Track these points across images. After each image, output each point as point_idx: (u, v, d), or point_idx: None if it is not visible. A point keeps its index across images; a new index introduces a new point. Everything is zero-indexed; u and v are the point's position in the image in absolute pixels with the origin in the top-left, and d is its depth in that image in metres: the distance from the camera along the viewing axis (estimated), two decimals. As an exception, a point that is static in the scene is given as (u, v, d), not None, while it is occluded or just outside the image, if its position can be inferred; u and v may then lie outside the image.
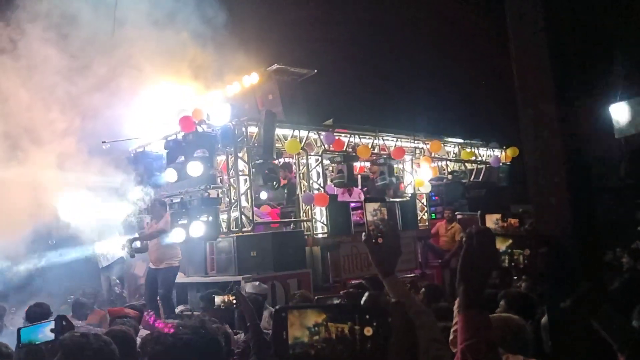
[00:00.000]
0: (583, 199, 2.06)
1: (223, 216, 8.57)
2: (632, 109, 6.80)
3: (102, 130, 8.81)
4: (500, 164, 12.78)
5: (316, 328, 1.10)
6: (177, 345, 1.81)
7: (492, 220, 2.34)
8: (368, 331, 1.09)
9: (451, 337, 1.94)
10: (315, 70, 10.94)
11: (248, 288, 6.55)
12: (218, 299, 5.00)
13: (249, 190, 8.30)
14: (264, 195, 9.56)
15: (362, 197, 10.20)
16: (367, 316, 1.10)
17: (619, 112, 6.74)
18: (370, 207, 1.96)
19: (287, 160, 10.59)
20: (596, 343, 1.79)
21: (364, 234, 1.97)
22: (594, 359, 2.06)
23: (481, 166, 12.76)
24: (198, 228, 7.53)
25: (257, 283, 6.88)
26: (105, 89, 9.24)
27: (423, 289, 5.20)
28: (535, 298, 3.57)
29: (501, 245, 1.65)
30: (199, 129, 8.03)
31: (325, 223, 9.14)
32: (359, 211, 10.06)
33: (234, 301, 4.62)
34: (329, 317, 1.10)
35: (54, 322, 3.15)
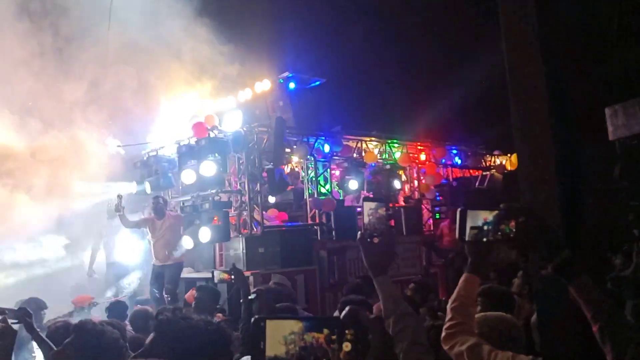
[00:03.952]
0: (572, 196, 2.16)
1: (233, 218, 8.83)
2: (626, 111, 6.77)
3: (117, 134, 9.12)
4: (505, 171, 12.95)
5: (292, 337, 1.11)
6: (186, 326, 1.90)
7: None
8: (347, 346, 1.10)
9: (443, 334, 2.00)
10: (325, 79, 11.21)
11: (273, 278, 6.81)
12: (217, 274, 5.18)
13: (258, 195, 8.53)
14: (272, 199, 9.79)
15: (368, 202, 10.42)
16: (347, 331, 1.12)
17: (613, 114, 6.75)
18: (368, 206, 1.94)
19: (294, 166, 10.84)
20: (585, 341, 1.80)
21: (359, 232, 1.93)
22: (582, 356, 2.13)
23: (486, 173, 12.94)
24: (206, 233, 7.84)
25: (279, 276, 7.16)
26: (120, 94, 9.55)
27: (412, 285, 5.25)
28: (512, 295, 3.70)
29: (488, 215, 1.67)
30: (212, 135, 8.30)
31: (332, 227, 9.36)
32: (365, 216, 10.27)
33: (232, 276, 4.69)
34: (306, 326, 1.12)
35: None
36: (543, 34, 2.15)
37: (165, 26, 9.93)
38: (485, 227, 1.68)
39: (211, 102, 10.31)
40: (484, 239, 1.69)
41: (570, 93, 2.22)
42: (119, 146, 9.05)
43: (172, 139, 9.44)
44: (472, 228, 1.70)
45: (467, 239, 1.72)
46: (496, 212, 1.65)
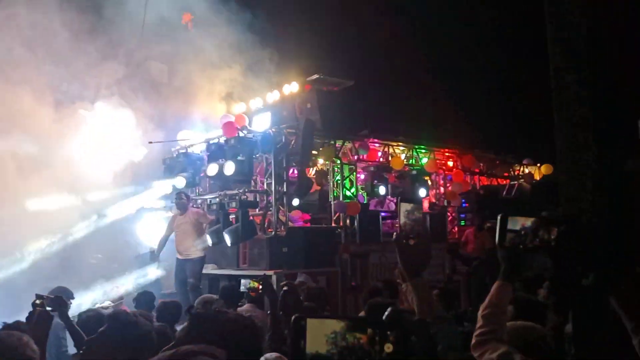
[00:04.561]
0: (615, 205, 2.14)
1: (258, 217, 8.92)
2: None
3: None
4: (533, 181, 12.75)
5: (334, 336, 1.09)
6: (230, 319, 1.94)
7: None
8: (388, 348, 1.07)
9: (473, 341, 1.97)
10: (353, 81, 11.24)
11: (299, 277, 6.85)
12: (245, 282, 5.21)
13: (284, 196, 8.60)
14: (296, 201, 9.85)
15: (393, 207, 10.41)
16: (389, 332, 1.09)
17: None
18: (404, 207, 1.87)
19: (319, 168, 10.87)
20: (622, 353, 1.77)
21: (395, 233, 1.90)
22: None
23: (513, 182, 12.76)
24: (227, 238, 7.96)
25: (305, 275, 7.21)
26: (154, 91, 9.77)
27: (436, 291, 5.18)
28: (543, 305, 3.65)
29: (526, 222, 1.64)
30: (241, 134, 8.41)
31: (356, 231, 9.36)
32: (389, 221, 10.26)
33: (260, 287, 4.71)
34: (348, 326, 1.09)
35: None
36: (590, 42, 2.13)
37: (196, 27, 10.12)
38: (523, 233, 1.65)
39: (240, 103, 10.46)
40: (521, 246, 1.66)
41: (615, 103, 2.21)
42: (150, 142, 9.23)
43: (202, 137, 9.61)
44: (508, 231, 1.67)
45: (507, 245, 1.69)
46: (535, 218, 1.63)
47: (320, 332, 1.09)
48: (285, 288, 3.05)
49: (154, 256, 8.68)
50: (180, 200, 8.56)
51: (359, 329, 1.09)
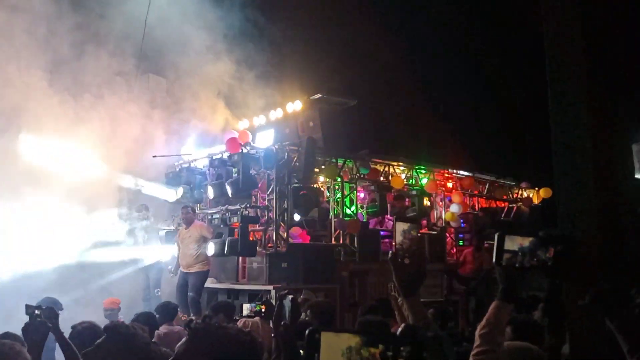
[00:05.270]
0: (614, 227, 2.12)
1: (259, 233, 8.99)
2: None
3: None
4: (532, 204, 12.82)
5: (349, 351, 1.11)
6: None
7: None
8: None
9: None
10: (356, 101, 11.40)
11: (303, 294, 6.87)
12: (246, 307, 5.23)
13: (285, 212, 8.67)
14: (297, 216, 9.91)
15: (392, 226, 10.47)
16: (402, 347, 1.12)
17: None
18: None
19: (320, 185, 10.96)
20: None
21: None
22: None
23: (512, 205, 12.83)
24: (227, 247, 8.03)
25: (309, 292, 7.23)
26: (159, 108, 9.89)
27: (431, 310, 5.20)
28: (542, 326, 3.68)
29: (523, 241, 1.64)
30: (244, 150, 8.53)
31: (355, 249, 9.41)
32: (388, 240, 10.31)
33: (263, 310, 4.71)
34: (363, 341, 1.12)
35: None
36: (590, 59, 2.17)
37: (200, 43, 10.25)
38: (520, 253, 1.67)
39: (244, 119, 10.60)
40: (517, 265, 1.68)
41: (615, 122, 2.22)
42: (154, 156, 9.31)
43: (204, 152, 9.71)
44: (505, 252, 1.68)
45: (504, 264, 1.71)
46: (533, 238, 1.64)
47: (336, 346, 1.12)
48: (291, 296, 3.00)
49: (171, 272, 8.79)
50: (187, 215, 8.65)
51: (373, 344, 1.12)
